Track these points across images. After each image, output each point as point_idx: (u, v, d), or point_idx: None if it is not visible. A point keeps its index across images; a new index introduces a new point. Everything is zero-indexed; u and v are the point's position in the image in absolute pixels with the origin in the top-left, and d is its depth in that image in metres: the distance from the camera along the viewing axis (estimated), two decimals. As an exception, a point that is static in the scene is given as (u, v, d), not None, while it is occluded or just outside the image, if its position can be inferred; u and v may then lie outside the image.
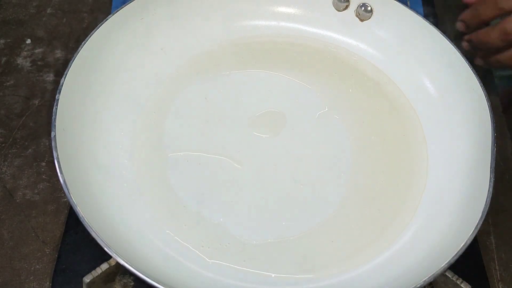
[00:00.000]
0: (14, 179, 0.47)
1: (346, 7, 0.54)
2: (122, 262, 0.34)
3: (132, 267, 0.34)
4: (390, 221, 0.43)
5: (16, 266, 0.42)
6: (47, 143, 0.49)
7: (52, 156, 0.38)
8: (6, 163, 0.48)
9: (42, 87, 0.53)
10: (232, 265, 0.40)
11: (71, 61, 0.43)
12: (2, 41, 0.57)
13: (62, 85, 0.41)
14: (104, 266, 0.37)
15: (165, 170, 0.44)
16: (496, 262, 0.44)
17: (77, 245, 0.42)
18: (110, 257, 0.35)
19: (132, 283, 0.40)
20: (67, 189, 0.36)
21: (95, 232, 0.35)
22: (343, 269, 0.40)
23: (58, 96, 0.41)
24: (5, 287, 0.41)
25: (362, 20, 0.54)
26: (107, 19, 0.46)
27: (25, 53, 0.56)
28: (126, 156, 0.44)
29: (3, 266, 0.42)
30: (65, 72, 0.42)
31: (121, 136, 0.45)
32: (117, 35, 0.47)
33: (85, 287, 0.37)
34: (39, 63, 0.55)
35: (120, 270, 0.39)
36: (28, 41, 0.57)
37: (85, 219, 0.35)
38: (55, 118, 0.40)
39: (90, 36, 0.45)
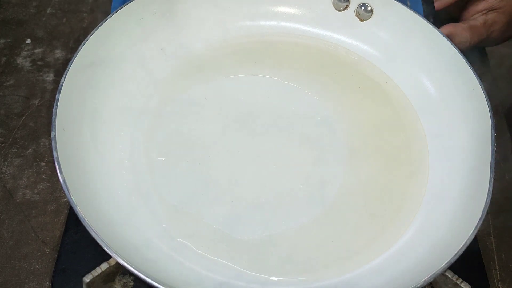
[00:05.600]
0: (14, 179, 0.47)
1: (346, 7, 0.54)
2: (121, 261, 0.34)
3: (131, 266, 0.34)
4: (390, 222, 0.43)
5: (16, 266, 0.42)
6: (47, 143, 0.49)
7: (52, 156, 0.38)
8: (6, 163, 0.48)
9: (42, 87, 0.53)
10: (232, 265, 0.40)
11: (71, 61, 0.43)
12: (2, 41, 0.57)
13: (62, 85, 0.41)
14: (104, 266, 0.37)
15: (164, 169, 0.44)
16: (496, 262, 0.44)
17: (77, 245, 0.42)
18: (110, 256, 0.35)
19: (132, 283, 0.40)
20: (67, 189, 0.36)
21: (95, 232, 0.35)
22: (343, 269, 0.40)
23: (58, 96, 0.41)
24: (4, 286, 0.41)
25: (362, 20, 0.54)
26: (107, 19, 0.46)
27: (25, 53, 0.56)
28: (126, 156, 0.44)
29: (3, 266, 0.42)
30: (65, 72, 0.42)
31: (120, 135, 0.45)
32: (117, 35, 0.47)
33: (85, 287, 0.37)
34: (39, 63, 0.55)
35: (120, 270, 0.39)
36: (28, 41, 0.57)
37: (85, 219, 0.35)
38: (55, 118, 0.40)
39: (89, 36, 0.45)
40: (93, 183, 0.41)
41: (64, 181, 0.37)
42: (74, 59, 0.43)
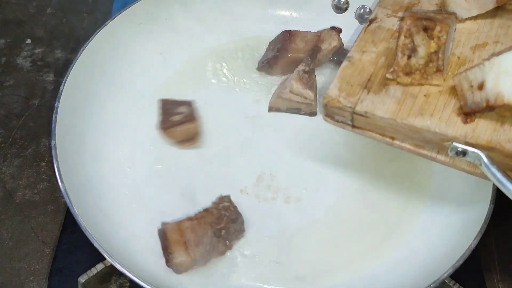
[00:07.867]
0: (14, 179, 0.47)
1: (346, 9, 0.54)
2: (118, 266, 0.35)
3: (127, 270, 0.35)
4: (391, 230, 0.43)
5: (16, 266, 0.42)
6: (47, 143, 0.49)
7: (52, 156, 0.38)
8: (5, 163, 0.48)
9: (42, 87, 0.53)
10: (228, 271, 0.40)
11: (70, 67, 0.43)
12: (2, 41, 0.57)
13: (61, 92, 0.41)
14: (100, 266, 0.37)
15: (166, 175, 0.44)
16: (496, 262, 0.44)
17: (74, 245, 0.42)
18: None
19: (128, 284, 0.40)
20: (69, 199, 0.36)
21: (93, 237, 0.35)
22: (342, 276, 0.40)
23: (58, 104, 0.41)
24: (5, 287, 0.41)
25: (361, 23, 0.53)
26: (106, 25, 0.46)
27: (25, 53, 0.56)
28: (127, 163, 0.44)
29: (3, 266, 0.42)
30: (64, 80, 0.42)
31: (121, 142, 0.45)
32: (116, 40, 0.47)
33: (81, 287, 0.37)
34: (39, 63, 0.55)
35: (116, 271, 0.39)
36: (28, 41, 0.57)
37: (84, 225, 0.36)
38: (54, 127, 0.39)
39: (89, 42, 0.45)
40: (94, 190, 0.41)
41: (65, 190, 0.37)
42: (73, 65, 0.43)
